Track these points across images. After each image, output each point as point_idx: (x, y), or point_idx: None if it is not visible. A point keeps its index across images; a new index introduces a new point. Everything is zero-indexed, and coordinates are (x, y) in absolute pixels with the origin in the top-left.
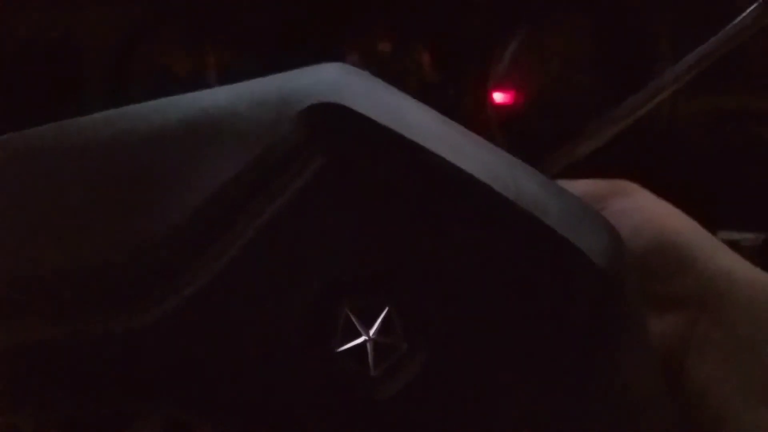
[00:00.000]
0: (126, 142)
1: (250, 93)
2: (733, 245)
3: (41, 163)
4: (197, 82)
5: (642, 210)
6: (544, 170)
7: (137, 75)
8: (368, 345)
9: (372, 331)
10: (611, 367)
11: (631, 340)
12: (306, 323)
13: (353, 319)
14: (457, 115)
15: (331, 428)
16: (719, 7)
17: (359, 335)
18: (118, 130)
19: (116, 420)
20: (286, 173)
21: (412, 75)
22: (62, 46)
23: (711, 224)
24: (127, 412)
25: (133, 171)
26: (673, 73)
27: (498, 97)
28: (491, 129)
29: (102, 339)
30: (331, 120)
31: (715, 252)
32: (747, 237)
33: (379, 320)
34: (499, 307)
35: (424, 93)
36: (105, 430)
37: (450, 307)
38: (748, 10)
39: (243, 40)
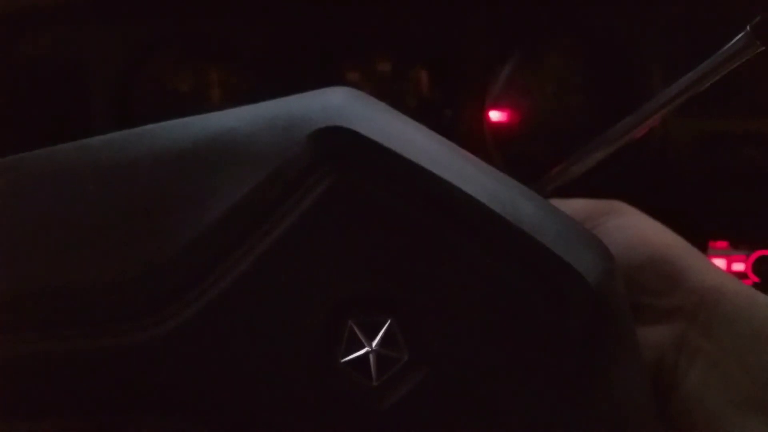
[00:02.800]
0: (141, 163)
1: (259, 116)
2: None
3: (61, 182)
4: (200, 100)
5: (634, 228)
6: (540, 189)
7: (143, 93)
8: (371, 356)
9: (374, 343)
10: (603, 381)
11: (621, 355)
12: (312, 336)
13: (357, 331)
14: (454, 133)
15: None
16: (709, 33)
17: (363, 347)
18: (135, 150)
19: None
20: (295, 194)
21: (411, 94)
22: (69, 65)
23: (700, 241)
24: (129, 423)
25: (148, 191)
26: (664, 97)
27: (494, 116)
28: (487, 147)
29: (115, 351)
30: (338, 143)
31: (704, 268)
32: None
33: (381, 332)
34: (496, 322)
35: (422, 112)
36: None
37: (450, 321)
38: (736, 38)
39: (245, 59)
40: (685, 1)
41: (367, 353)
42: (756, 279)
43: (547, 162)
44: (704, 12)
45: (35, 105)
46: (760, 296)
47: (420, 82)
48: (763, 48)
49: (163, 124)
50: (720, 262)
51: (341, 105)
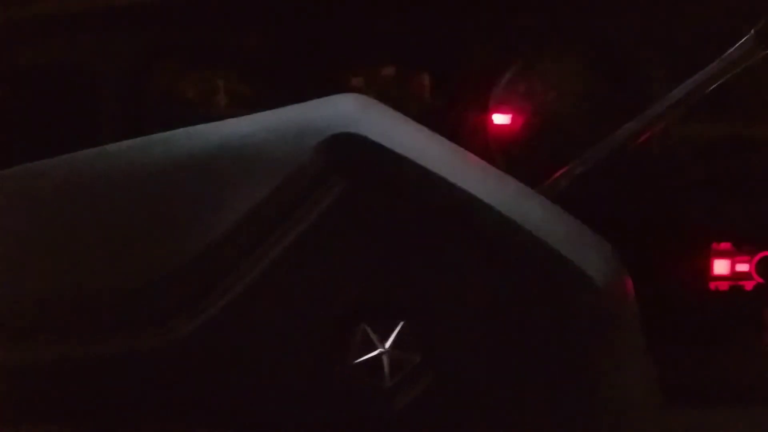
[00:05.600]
0: (157, 170)
1: (270, 124)
2: None
3: (79, 189)
4: (207, 106)
5: None
6: (543, 193)
7: (150, 100)
8: (384, 357)
9: (387, 344)
10: (611, 379)
11: (628, 355)
12: (326, 339)
13: (370, 333)
14: (458, 137)
15: None
16: (712, 38)
17: (375, 348)
18: (150, 158)
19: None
20: (308, 200)
21: (414, 98)
22: (78, 72)
23: (704, 243)
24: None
25: (163, 198)
26: (668, 101)
27: (497, 119)
28: (490, 150)
29: (130, 356)
30: (350, 150)
31: None
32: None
33: (394, 334)
34: (506, 323)
35: (425, 115)
36: None
37: (460, 323)
38: (739, 42)
39: (250, 65)
40: (687, 6)
41: (380, 355)
42: (760, 280)
43: (549, 166)
44: (707, 17)
45: (44, 111)
46: None
47: (423, 87)
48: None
49: (177, 131)
50: (724, 264)
51: (352, 112)
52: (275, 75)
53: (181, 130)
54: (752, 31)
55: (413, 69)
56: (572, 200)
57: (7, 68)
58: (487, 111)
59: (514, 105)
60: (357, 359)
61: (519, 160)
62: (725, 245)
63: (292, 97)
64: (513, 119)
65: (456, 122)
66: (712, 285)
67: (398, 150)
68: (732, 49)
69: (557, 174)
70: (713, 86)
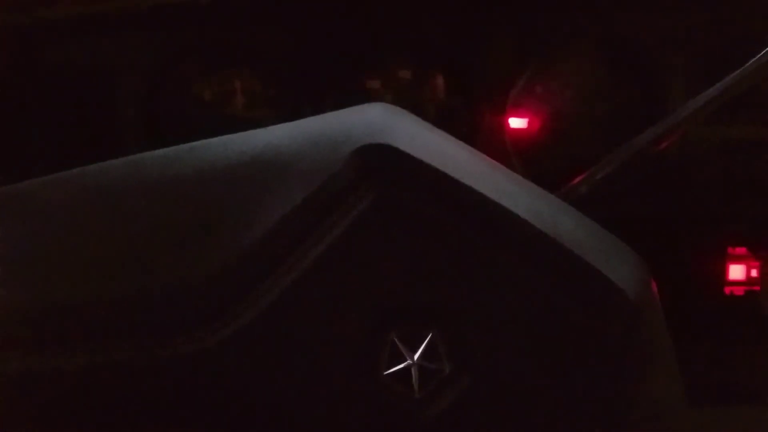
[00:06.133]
0: (190, 180)
1: (302, 133)
2: None
3: (113, 198)
4: (226, 107)
5: None
6: (563, 197)
7: (170, 100)
8: (413, 369)
9: (416, 356)
10: (640, 388)
11: (657, 362)
12: (356, 348)
13: (399, 344)
14: (475, 140)
15: None
16: (732, 43)
17: (405, 359)
18: (183, 167)
19: None
20: (340, 209)
21: (431, 101)
22: (97, 73)
23: (719, 248)
24: None
25: (197, 207)
26: (690, 108)
27: (514, 122)
28: (508, 154)
29: (164, 363)
30: (381, 159)
31: None
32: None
33: (423, 345)
34: (536, 334)
35: (442, 118)
36: None
37: (490, 333)
38: (763, 51)
39: (268, 67)
40: (706, 9)
41: (409, 366)
42: None
43: (567, 169)
44: (728, 20)
45: (63, 112)
46: None
47: (440, 89)
48: None
49: (211, 140)
50: (738, 268)
51: (382, 122)
52: (292, 76)
53: (213, 139)
54: None
55: (430, 71)
56: (587, 202)
57: (27, 69)
58: (504, 114)
59: (531, 108)
60: (387, 370)
61: (536, 164)
62: (740, 250)
63: (309, 98)
64: (530, 122)
65: (472, 125)
66: (728, 290)
67: (427, 159)
68: (755, 58)
69: (577, 179)
70: (735, 94)
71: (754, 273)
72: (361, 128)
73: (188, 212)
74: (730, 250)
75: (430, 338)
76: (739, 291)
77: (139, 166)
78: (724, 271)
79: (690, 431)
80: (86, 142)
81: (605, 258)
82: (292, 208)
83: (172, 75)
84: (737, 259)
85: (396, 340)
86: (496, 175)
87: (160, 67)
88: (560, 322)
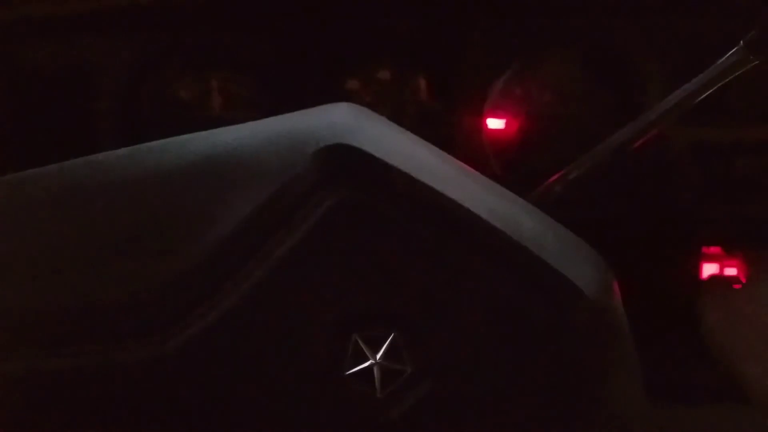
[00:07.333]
0: (149, 180)
1: (264, 133)
2: None
3: (70, 199)
4: (203, 108)
5: None
6: (539, 197)
7: (147, 101)
8: (375, 369)
9: (378, 356)
10: (602, 390)
11: (619, 364)
12: (319, 349)
13: (362, 344)
14: (453, 140)
15: None
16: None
17: (367, 359)
18: (142, 167)
19: None
20: (301, 211)
21: (410, 102)
22: (75, 73)
23: (694, 247)
24: None
25: (156, 208)
26: (662, 108)
27: (492, 123)
28: (486, 154)
29: (125, 367)
30: (344, 160)
31: None
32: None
33: (385, 346)
34: (498, 335)
35: (421, 118)
36: None
37: (452, 334)
38: (730, 52)
39: (246, 68)
40: (680, 12)
41: (371, 366)
42: None
43: (545, 169)
44: (700, 24)
45: (41, 112)
46: None
47: (419, 90)
48: (757, 62)
49: (170, 140)
50: (713, 267)
51: (346, 122)
52: (271, 77)
53: (174, 138)
54: (741, 42)
55: (409, 72)
56: (563, 203)
57: (4, 68)
58: (482, 114)
59: (510, 109)
60: (349, 370)
61: (513, 164)
62: (715, 249)
63: (287, 99)
64: (508, 123)
65: (451, 125)
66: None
67: (391, 160)
68: (723, 59)
69: (551, 179)
70: (705, 94)
71: (727, 271)
72: (324, 128)
73: (147, 213)
74: (704, 249)
75: (392, 339)
76: None
77: (97, 166)
78: (698, 270)
79: (654, 430)
80: (63, 142)
81: (567, 259)
82: (251, 211)
83: (151, 75)
84: (711, 259)
85: (359, 340)
86: (461, 176)
87: (140, 68)
88: (521, 323)
